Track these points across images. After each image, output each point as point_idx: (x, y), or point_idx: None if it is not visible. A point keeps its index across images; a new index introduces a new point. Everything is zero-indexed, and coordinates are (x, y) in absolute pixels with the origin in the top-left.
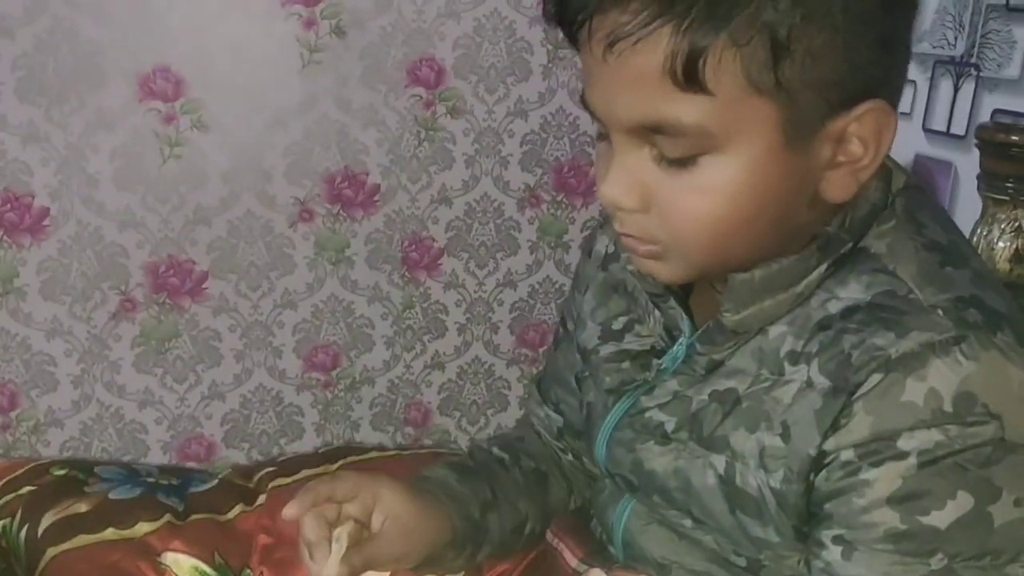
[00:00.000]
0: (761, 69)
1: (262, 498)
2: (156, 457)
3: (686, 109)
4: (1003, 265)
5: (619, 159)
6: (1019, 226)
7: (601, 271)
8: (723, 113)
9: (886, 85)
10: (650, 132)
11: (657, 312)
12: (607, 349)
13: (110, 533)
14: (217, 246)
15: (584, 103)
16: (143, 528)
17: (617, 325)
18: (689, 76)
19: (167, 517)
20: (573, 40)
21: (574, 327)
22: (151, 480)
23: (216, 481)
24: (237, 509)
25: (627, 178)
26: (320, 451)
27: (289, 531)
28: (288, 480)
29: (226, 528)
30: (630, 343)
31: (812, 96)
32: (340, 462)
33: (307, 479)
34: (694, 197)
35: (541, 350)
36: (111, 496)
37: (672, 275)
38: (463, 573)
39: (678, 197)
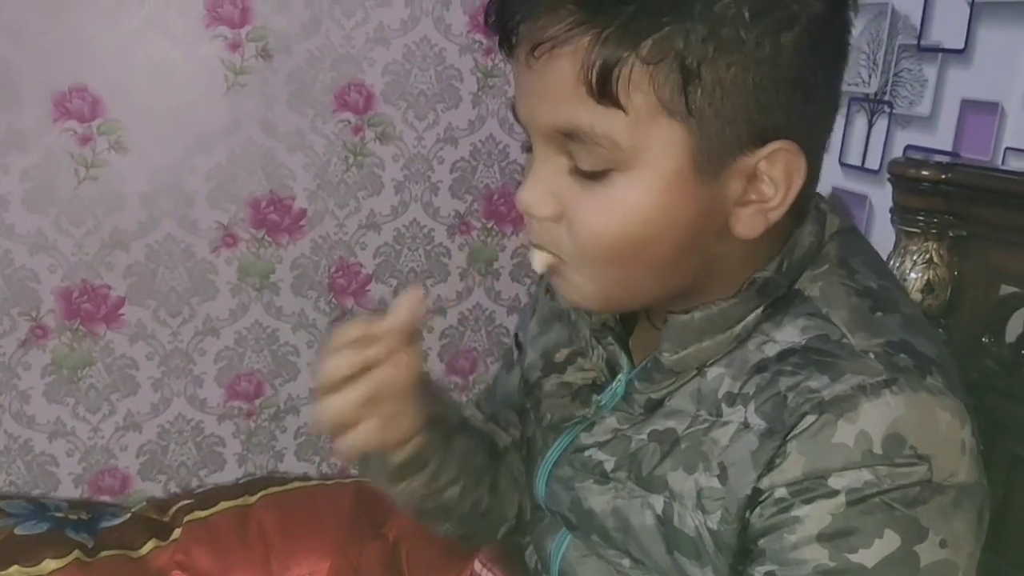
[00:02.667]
0: (672, 92)
1: (177, 532)
2: (67, 491)
3: (599, 120)
4: (915, 295)
5: (537, 166)
6: (930, 258)
7: (548, 297)
8: (634, 130)
9: (798, 128)
10: (566, 140)
11: (600, 347)
12: (550, 383)
13: (15, 571)
14: (135, 271)
15: (514, 113)
16: (50, 565)
17: (559, 357)
18: (602, 87)
19: (76, 554)
20: (508, 48)
21: (522, 351)
22: (59, 515)
23: (128, 515)
24: (150, 544)
25: (543, 186)
26: (240, 482)
27: (205, 566)
28: (205, 513)
29: (138, 564)
30: (572, 376)
31: (722, 127)
32: (260, 493)
33: (225, 511)
34: (601, 212)
35: (471, 377)
36: (17, 532)
37: (578, 295)
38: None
39: (586, 210)
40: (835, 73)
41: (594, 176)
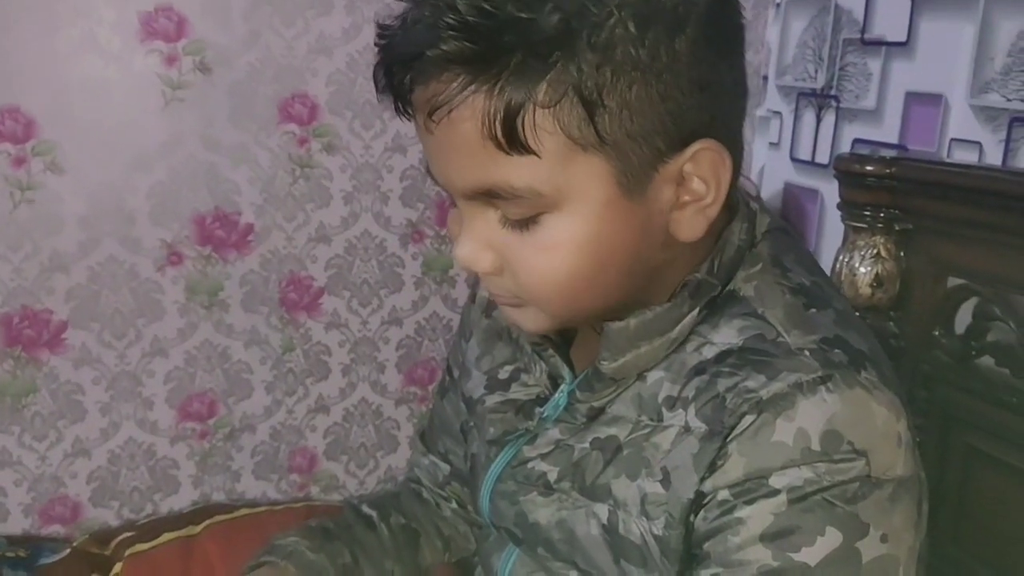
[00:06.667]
0: (580, 126)
1: (118, 567)
2: (17, 521)
3: (515, 172)
4: (865, 290)
5: (468, 224)
6: (878, 252)
7: (485, 317)
8: (552, 172)
9: (714, 125)
10: (488, 196)
11: (542, 361)
12: (493, 399)
13: None
14: (77, 294)
15: (429, 174)
16: None
17: (503, 374)
18: (509, 138)
19: None
20: (405, 114)
21: (459, 375)
22: None
23: (68, 550)
24: None
25: (478, 242)
26: (185, 511)
27: None
28: (147, 545)
29: None
30: (516, 392)
31: (638, 145)
32: (205, 522)
33: (168, 543)
34: (540, 255)
35: (430, 387)
36: None
37: (536, 326)
38: None
39: (525, 256)
40: (737, 59)
41: (525, 223)
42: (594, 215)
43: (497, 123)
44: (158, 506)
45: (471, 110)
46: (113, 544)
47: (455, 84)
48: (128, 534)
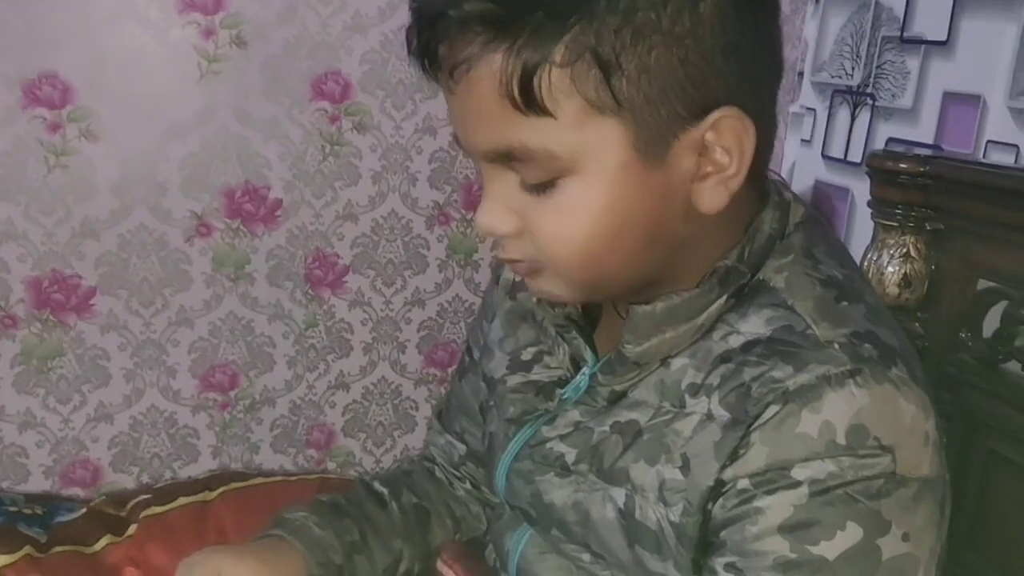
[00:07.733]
0: (596, 89)
1: (133, 528)
2: (38, 482)
3: (531, 133)
4: (892, 289)
5: (488, 188)
6: (907, 251)
7: (509, 299)
8: (568, 135)
9: (737, 93)
10: (506, 158)
11: (565, 343)
12: (514, 379)
13: None
14: (106, 260)
15: (456, 140)
16: (0, 561)
17: (526, 356)
18: (526, 98)
19: (27, 549)
20: (432, 76)
21: (480, 355)
22: (13, 509)
23: (84, 510)
24: (104, 540)
25: (498, 205)
26: (200, 478)
27: (159, 562)
28: (162, 508)
29: (91, 561)
30: (538, 374)
31: (656, 110)
32: (220, 489)
33: (183, 507)
34: (557, 219)
35: (450, 369)
36: None
37: (561, 293)
38: None
39: (543, 220)
40: (766, 26)
41: (543, 187)
42: (610, 180)
43: (514, 82)
44: (177, 474)
45: (489, 69)
46: (129, 506)
47: (475, 43)
48: (144, 496)
